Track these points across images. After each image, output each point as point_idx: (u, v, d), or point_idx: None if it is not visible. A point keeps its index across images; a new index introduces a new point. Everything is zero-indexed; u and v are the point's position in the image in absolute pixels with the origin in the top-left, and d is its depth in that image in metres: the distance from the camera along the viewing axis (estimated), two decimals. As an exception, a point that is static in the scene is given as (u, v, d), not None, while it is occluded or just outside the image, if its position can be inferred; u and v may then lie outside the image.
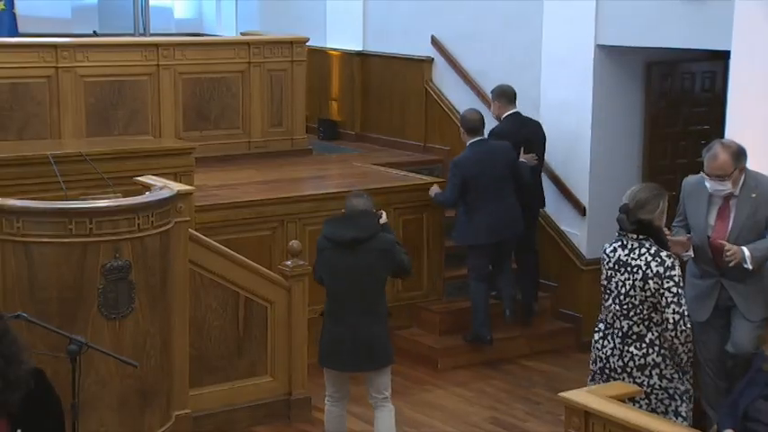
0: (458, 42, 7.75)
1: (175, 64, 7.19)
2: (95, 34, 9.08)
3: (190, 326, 5.20)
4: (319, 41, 8.61)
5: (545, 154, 6.79)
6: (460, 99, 7.73)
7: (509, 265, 6.62)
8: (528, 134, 6.64)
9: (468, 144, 6.42)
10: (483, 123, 6.45)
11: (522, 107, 6.86)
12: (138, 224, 4.67)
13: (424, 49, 8.03)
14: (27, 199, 4.75)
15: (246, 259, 5.49)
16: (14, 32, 8.25)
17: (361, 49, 8.58)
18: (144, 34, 9.04)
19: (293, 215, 6.34)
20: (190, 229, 5.17)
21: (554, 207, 7.08)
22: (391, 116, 8.33)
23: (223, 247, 5.42)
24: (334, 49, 8.75)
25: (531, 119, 6.77)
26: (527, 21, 7.20)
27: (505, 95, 6.68)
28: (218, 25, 10.10)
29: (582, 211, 6.93)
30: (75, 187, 5.34)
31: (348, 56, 8.63)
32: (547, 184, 6.97)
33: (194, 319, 5.25)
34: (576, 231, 6.99)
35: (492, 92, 6.80)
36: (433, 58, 8.01)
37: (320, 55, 8.69)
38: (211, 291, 5.34)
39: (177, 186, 5.15)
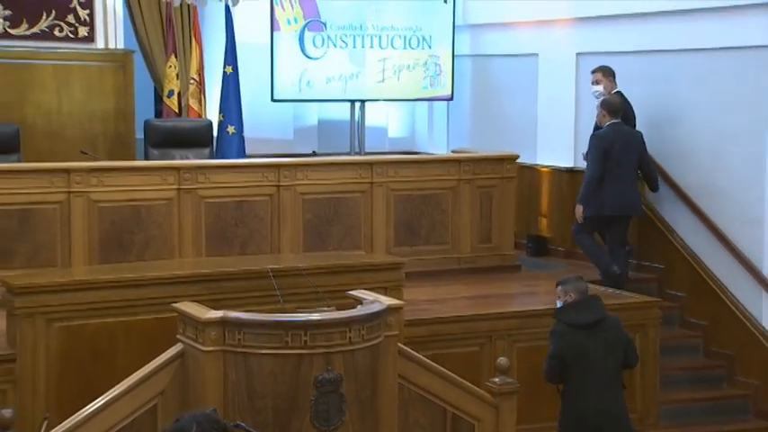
0: (672, 158, 7.56)
1: (388, 181, 7.42)
2: (314, 154, 9.56)
3: (397, 441, 5.20)
4: (529, 158, 8.65)
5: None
6: (675, 217, 7.50)
7: (622, 250, 7.17)
8: (627, 109, 7.33)
9: (606, 125, 7.16)
10: (622, 109, 7.17)
11: (746, 224, 6.75)
12: (350, 337, 4.76)
13: (637, 166, 7.90)
14: (247, 311, 4.97)
15: (454, 375, 5.46)
16: (242, 154, 8.80)
17: (571, 165, 8.54)
18: (359, 153, 9.43)
19: (501, 331, 6.27)
20: (399, 344, 5.22)
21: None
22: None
23: (431, 362, 5.41)
24: (545, 166, 8.76)
25: (626, 98, 7.43)
26: (748, 136, 6.94)
27: (613, 74, 7.52)
28: (429, 143, 10.38)
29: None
30: (292, 300, 5.53)
31: (558, 172, 8.61)
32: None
33: (401, 434, 5.25)
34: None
35: (602, 69, 7.54)
36: (646, 175, 7.88)
37: (530, 171, 8.71)
38: (419, 406, 5.31)
39: (387, 301, 5.23)
